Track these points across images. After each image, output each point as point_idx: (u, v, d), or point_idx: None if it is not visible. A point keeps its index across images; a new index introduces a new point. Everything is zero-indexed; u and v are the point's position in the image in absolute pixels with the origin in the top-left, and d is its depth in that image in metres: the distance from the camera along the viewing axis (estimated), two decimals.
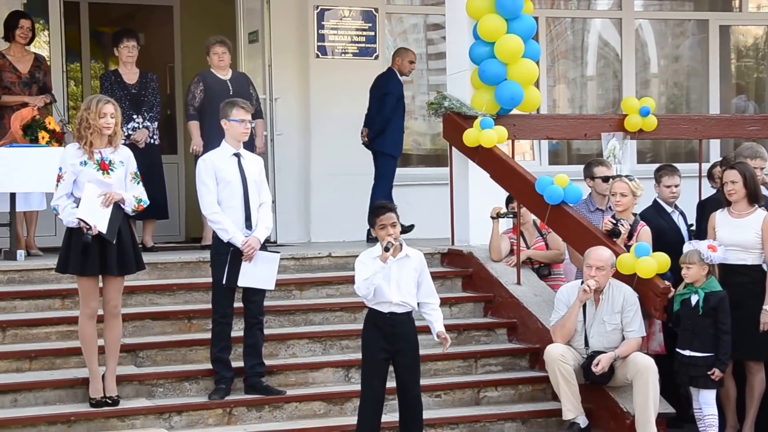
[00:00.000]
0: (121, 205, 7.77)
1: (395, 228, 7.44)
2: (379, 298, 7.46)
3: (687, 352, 8.34)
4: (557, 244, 9.67)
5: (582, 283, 8.40)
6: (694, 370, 8.30)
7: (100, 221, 7.64)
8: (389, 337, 7.48)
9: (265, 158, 10.10)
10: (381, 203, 7.65)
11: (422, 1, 13.14)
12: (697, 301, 8.30)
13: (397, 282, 7.47)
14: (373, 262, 7.42)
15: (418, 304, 7.62)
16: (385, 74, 11.79)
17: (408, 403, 7.56)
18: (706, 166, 10.65)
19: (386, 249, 7.36)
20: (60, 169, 7.83)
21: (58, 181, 7.81)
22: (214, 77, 10.87)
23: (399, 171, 12.31)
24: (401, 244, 7.54)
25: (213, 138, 10.47)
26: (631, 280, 8.49)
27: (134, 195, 7.87)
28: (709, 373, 8.24)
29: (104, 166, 7.79)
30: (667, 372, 8.52)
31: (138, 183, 7.95)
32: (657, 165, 10.22)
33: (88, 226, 7.61)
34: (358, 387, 7.81)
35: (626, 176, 9.21)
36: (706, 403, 8.34)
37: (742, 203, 8.70)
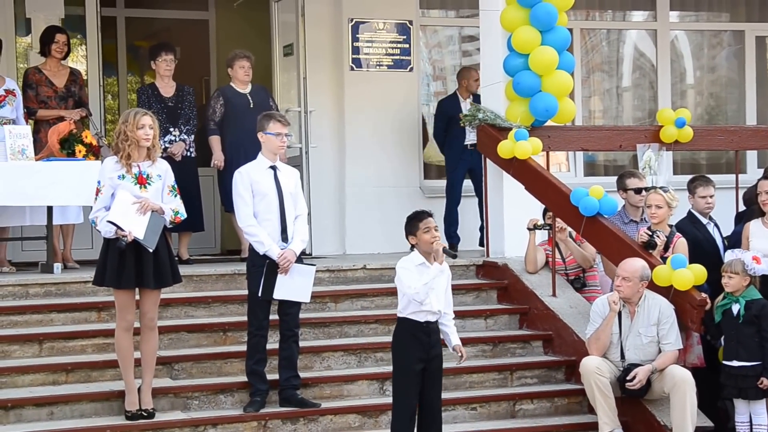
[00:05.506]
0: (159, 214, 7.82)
1: (437, 232, 7.49)
2: (425, 306, 7.47)
3: (734, 363, 8.29)
4: (589, 251, 9.61)
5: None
6: (743, 381, 8.25)
7: (135, 228, 7.66)
8: (426, 346, 7.48)
9: (300, 170, 10.14)
10: (422, 209, 7.66)
11: (457, 13, 13.12)
12: (738, 310, 8.26)
13: (437, 290, 7.49)
14: (418, 268, 7.43)
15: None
16: None
17: (431, 413, 7.55)
18: (743, 177, 10.58)
19: (454, 256, 7.44)
20: (98, 182, 7.88)
21: (96, 194, 7.86)
22: (233, 91, 10.96)
23: (433, 183, 12.31)
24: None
25: (235, 151, 10.54)
26: (667, 292, 8.44)
27: (171, 207, 7.90)
28: (758, 383, 8.19)
29: (142, 180, 7.83)
30: (705, 385, 8.46)
31: (176, 196, 7.98)
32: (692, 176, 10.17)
33: (123, 232, 7.64)
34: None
35: (661, 188, 9.16)
36: (756, 413, 8.29)
37: None
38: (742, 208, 10.08)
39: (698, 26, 14.15)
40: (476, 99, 11.47)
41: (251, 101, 10.88)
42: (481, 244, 11.41)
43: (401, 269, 7.52)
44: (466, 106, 11.56)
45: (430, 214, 7.56)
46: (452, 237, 11.64)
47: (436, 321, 7.55)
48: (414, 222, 7.56)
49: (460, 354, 7.64)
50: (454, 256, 7.52)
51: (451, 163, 11.74)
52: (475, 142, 11.16)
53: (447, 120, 11.64)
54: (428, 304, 7.43)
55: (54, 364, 8.33)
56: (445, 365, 8.42)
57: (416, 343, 7.48)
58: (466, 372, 8.86)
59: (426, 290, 7.38)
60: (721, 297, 8.41)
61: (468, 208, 11.78)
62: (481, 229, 11.41)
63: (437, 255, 7.42)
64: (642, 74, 14.02)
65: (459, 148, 11.53)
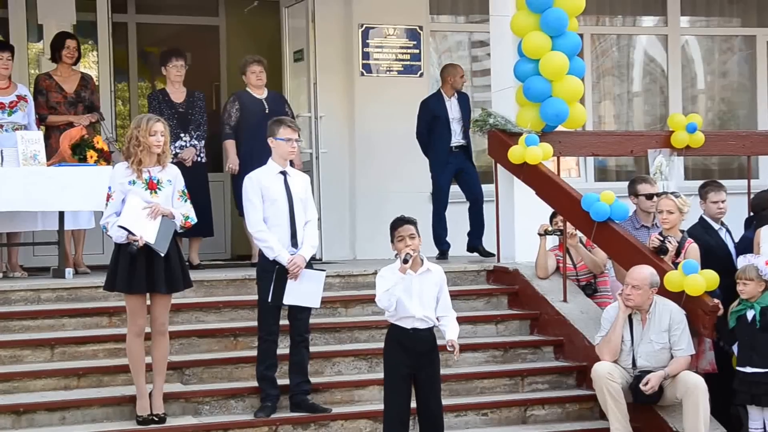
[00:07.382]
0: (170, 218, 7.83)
1: (414, 240, 7.48)
2: (402, 313, 7.49)
3: (748, 369, 8.26)
4: (600, 256, 9.60)
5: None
6: (757, 388, 8.21)
7: (146, 232, 7.67)
8: (411, 353, 7.50)
9: (310, 176, 10.16)
10: (400, 216, 7.68)
11: (467, 18, 13.13)
12: (754, 316, 8.25)
13: (419, 296, 7.51)
14: (393, 275, 7.46)
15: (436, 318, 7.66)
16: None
17: (430, 419, 7.57)
18: (755, 183, 10.55)
19: (405, 261, 7.40)
20: (109, 188, 7.89)
21: (107, 200, 7.87)
22: (249, 96, 10.95)
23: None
24: (422, 259, 7.59)
25: (249, 156, 10.54)
26: (679, 297, 8.42)
27: (182, 212, 7.91)
28: None
29: (152, 186, 7.84)
30: (718, 391, 8.43)
31: (186, 201, 7.99)
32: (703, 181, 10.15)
33: (134, 237, 7.65)
34: None
35: (672, 193, 9.15)
36: None
37: None
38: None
39: (709, 31, 14.16)
40: (461, 97, 11.47)
41: (267, 107, 10.86)
42: (469, 249, 11.40)
43: (378, 277, 7.58)
44: (451, 104, 11.51)
45: (407, 221, 7.56)
46: (442, 243, 11.54)
47: (430, 328, 7.56)
48: (391, 230, 7.60)
49: (452, 348, 7.52)
50: (405, 261, 7.48)
51: (436, 166, 11.56)
52: (462, 143, 11.22)
53: (431, 120, 11.55)
54: (404, 311, 7.45)
55: (65, 369, 8.34)
56: (455, 370, 8.46)
57: (402, 349, 7.52)
58: (477, 377, 8.85)
59: (387, 297, 7.41)
60: (736, 303, 8.39)
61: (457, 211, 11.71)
62: (470, 234, 11.41)
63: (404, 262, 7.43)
64: (653, 79, 14.02)
65: (444, 150, 11.46)
